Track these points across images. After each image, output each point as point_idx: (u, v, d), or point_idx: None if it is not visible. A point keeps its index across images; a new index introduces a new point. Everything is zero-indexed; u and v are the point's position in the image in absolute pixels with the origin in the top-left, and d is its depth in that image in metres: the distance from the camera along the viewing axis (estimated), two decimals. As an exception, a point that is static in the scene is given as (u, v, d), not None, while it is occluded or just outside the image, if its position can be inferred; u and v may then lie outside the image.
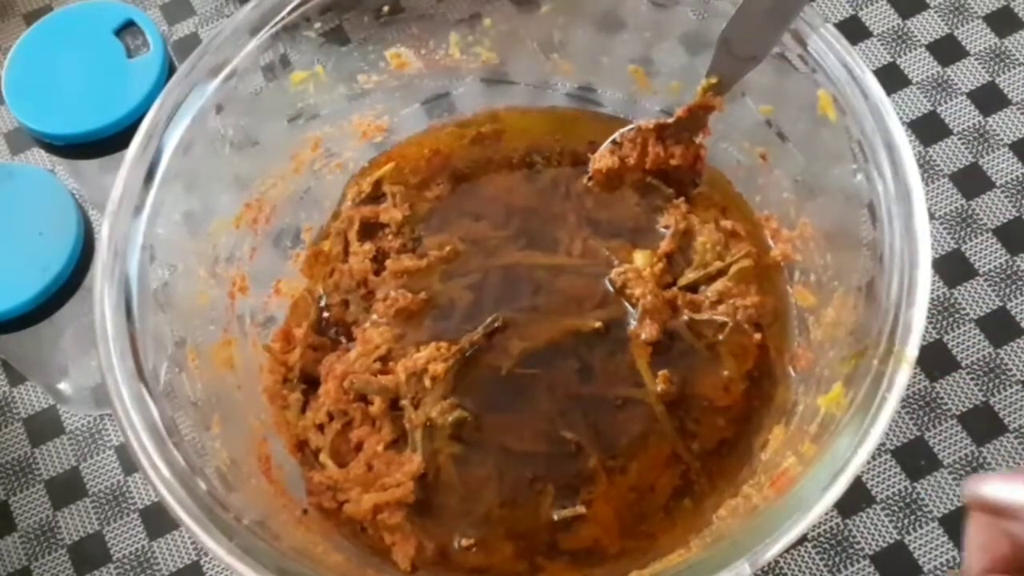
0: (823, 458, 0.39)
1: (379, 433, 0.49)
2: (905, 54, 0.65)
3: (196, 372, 0.47)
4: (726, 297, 0.50)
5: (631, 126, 0.53)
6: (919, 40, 0.66)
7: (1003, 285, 0.59)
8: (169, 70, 0.54)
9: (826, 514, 0.41)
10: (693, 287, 0.51)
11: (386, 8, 0.52)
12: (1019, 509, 0.35)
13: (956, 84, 0.64)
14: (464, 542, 0.47)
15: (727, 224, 0.52)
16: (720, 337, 0.49)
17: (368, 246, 0.53)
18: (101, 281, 0.45)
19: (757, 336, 0.49)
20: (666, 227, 0.52)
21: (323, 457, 0.49)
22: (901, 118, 0.44)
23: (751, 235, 0.52)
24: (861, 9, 0.67)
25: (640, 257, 0.51)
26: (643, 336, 0.49)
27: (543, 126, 0.56)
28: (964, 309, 0.58)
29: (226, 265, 0.51)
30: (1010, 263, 0.59)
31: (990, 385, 0.56)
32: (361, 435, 0.49)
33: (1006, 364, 0.57)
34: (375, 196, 0.55)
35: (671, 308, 0.50)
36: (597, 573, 0.47)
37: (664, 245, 0.51)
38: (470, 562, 0.47)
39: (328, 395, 0.50)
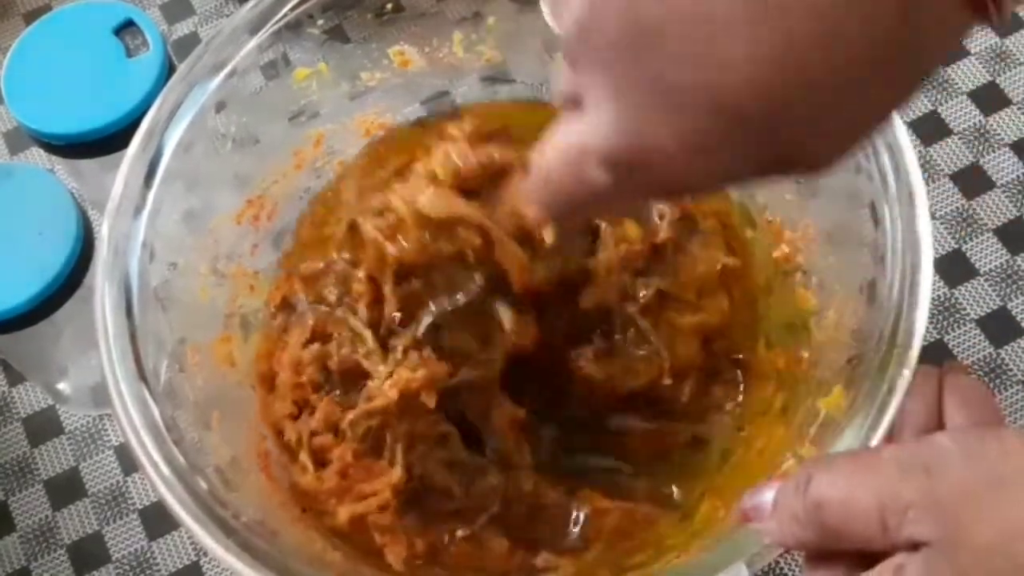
0: (824, 460, 0.39)
1: (348, 442, 0.47)
2: (906, 54, 0.65)
3: (196, 369, 0.47)
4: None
5: None
6: (920, 40, 0.65)
7: (1004, 285, 0.59)
8: (169, 69, 0.54)
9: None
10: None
11: (389, 6, 0.52)
12: (762, 508, 0.36)
13: (956, 84, 0.64)
14: (460, 532, 0.47)
15: (729, 262, 0.51)
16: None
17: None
18: (101, 280, 0.45)
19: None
20: (660, 216, 0.51)
21: (303, 457, 0.48)
22: (901, 118, 0.44)
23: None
24: (862, 8, 0.66)
25: (632, 227, 0.50)
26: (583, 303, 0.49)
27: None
28: (965, 309, 0.58)
29: (227, 262, 0.51)
30: (1011, 263, 0.59)
31: (990, 386, 0.56)
32: (325, 443, 0.48)
33: (1007, 364, 0.57)
34: None
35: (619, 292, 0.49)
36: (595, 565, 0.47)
37: (662, 232, 0.50)
38: (464, 556, 0.47)
39: (285, 386, 0.49)
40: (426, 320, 0.47)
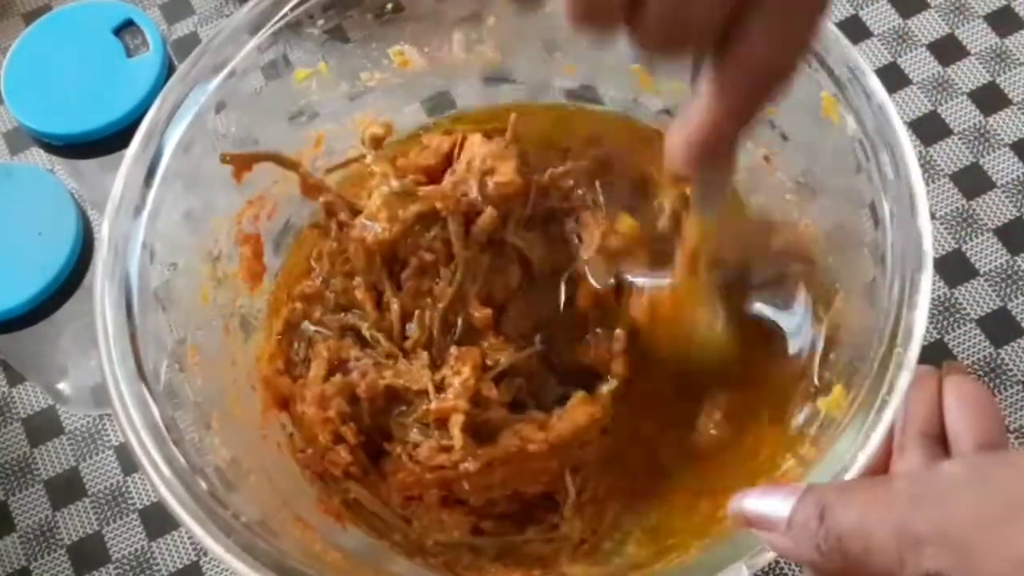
0: (823, 461, 0.39)
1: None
2: (906, 54, 0.65)
3: (196, 369, 0.47)
4: None
5: None
6: (920, 40, 0.66)
7: (1004, 285, 0.59)
8: (168, 69, 0.54)
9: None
10: None
11: (389, 6, 0.52)
12: (773, 520, 0.36)
13: (957, 84, 0.64)
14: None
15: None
16: None
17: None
18: (101, 280, 0.45)
19: None
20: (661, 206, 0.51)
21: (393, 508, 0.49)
22: (902, 118, 0.44)
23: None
24: (861, 9, 0.67)
25: (625, 222, 0.51)
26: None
27: (543, 125, 0.56)
28: (965, 309, 0.58)
29: (227, 262, 0.51)
30: (1011, 263, 0.59)
31: (990, 386, 0.56)
32: (408, 481, 0.48)
33: (1007, 364, 0.57)
34: None
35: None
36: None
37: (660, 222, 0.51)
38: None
39: (315, 423, 0.48)
40: (439, 306, 0.48)
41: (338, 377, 0.49)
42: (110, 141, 0.53)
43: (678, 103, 0.53)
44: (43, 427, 0.60)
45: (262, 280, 0.52)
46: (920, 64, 0.65)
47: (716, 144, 0.36)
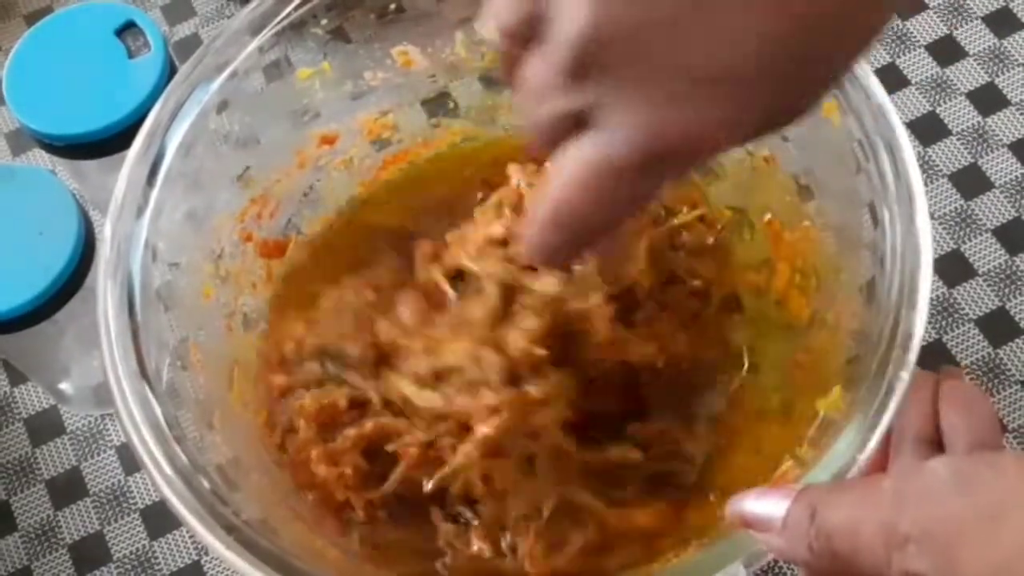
0: (821, 462, 0.39)
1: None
2: (904, 54, 0.65)
3: (199, 367, 0.47)
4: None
5: None
6: (918, 40, 0.66)
7: (1002, 285, 0.59)
8: (170, 71, 0.55)
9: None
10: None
11: (392, 7, 0.52)
12: (769, 521, 0.36)
13: (955, 84, 0.64)
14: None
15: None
16: None
17: None
18: (104, 280, 0.45)
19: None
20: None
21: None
22: (900, 118, 0.44)
23: None
24: (861, 10, 0.67)
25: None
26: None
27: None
28: (964, 309, 0.58)
29: (229, 260, 0.51)
30: (1009, 263, 0.59)
31: (989, 386, 0.56)
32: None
33: (1005, 364, 0.57)
34: None
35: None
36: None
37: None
38: None
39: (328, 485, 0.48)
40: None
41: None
42: (112, 142, 0.53)
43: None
44: (45, 427, 0.60)
45: (285, 250, 0.53)
46: (919, 65, 0.65)
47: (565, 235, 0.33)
